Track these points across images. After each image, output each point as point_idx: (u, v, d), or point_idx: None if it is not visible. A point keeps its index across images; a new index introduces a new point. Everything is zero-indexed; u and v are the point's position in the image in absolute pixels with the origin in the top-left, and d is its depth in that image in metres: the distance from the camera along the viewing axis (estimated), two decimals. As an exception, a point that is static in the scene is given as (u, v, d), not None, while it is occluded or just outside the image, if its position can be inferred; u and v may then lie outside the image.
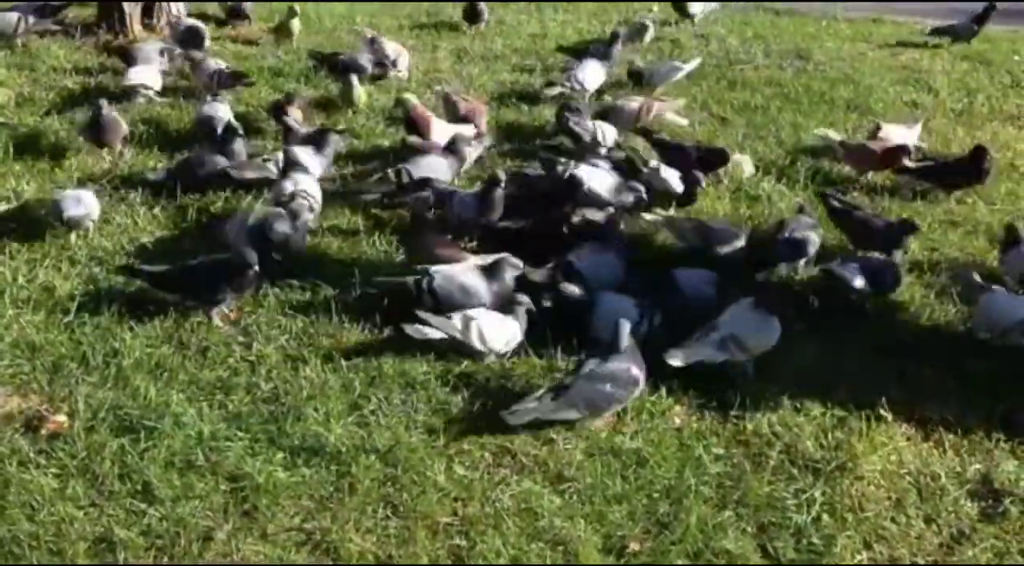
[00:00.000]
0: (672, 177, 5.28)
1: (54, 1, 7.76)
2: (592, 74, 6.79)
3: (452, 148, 5.49)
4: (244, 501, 3.34)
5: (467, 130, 5.88)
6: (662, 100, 6.42)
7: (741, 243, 4.79)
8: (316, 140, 5.47)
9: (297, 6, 8.02)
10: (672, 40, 8.52)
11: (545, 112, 6.63)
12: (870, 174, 5.73)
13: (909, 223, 4.81)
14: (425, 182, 5.08)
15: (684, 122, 6.38)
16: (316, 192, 5.02)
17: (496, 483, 3.46)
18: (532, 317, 4.11)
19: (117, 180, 5.48)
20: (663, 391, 3.89)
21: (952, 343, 4.30)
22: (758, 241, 4.83)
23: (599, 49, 7.22)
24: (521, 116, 6.56)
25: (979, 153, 5.49)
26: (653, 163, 5.39)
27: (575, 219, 4.83)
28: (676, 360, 3.86)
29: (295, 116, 5.89)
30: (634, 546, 3.23)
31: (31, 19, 7.39)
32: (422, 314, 4.05)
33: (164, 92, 6.64)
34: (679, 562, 3.18)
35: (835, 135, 5.96)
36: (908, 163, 5.61)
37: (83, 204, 4.82)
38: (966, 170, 5.53)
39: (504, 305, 4.14)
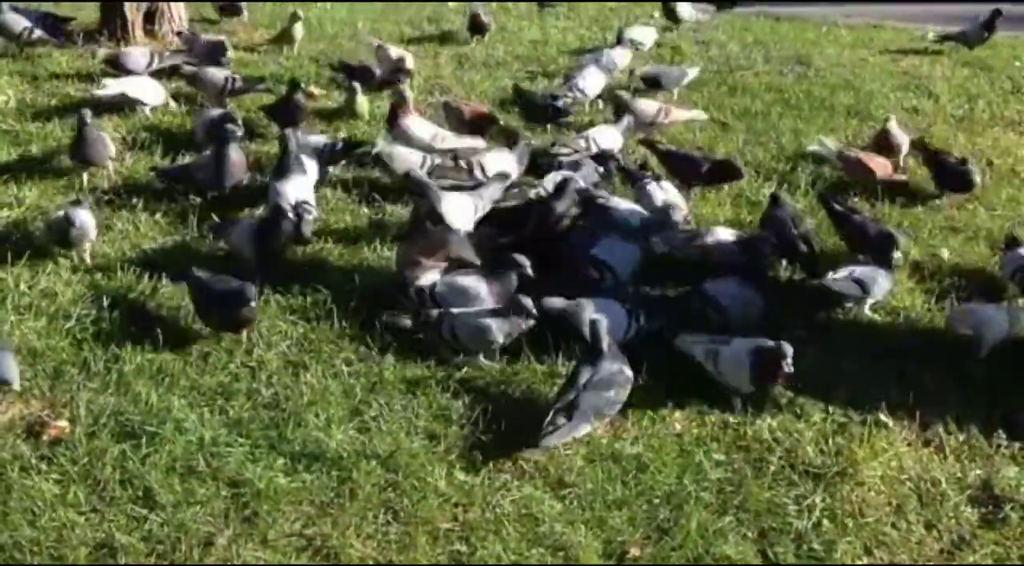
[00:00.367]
0: (660, 193, 5.15)
1: (57, 17, 7.78)
2: (593, 81, 6.80)
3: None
4: (245, 507, 3.34)
5: (476, 142, 5.74)
6: (679, 106, 6.46)
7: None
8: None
9: (300, 11, 8.06)
10: (673, 47, 8.53)
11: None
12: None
13: (896, 234, 4.83)
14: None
15: (703, 116, 6.45)
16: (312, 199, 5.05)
17: (496, 489, 3.46)
18: (531, 317, 4.06)
19: (118, 186, 5.50)
20: (663, 397, 3.89)
21: (952, 348, 4.30)
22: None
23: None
24: (523, 122, 6.56)
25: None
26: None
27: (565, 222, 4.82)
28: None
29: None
30: (634, 552, 3.23)
31: (37, 32, 7.39)
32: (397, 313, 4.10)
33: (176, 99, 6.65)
34: (679, 568, 3.19)
35: (832, 145, 5.94)
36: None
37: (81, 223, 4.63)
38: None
39: (507, 307, 4.13)
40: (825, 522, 3.36)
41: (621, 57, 7.39)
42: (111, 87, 6.36)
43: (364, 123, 6.49)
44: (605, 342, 3.78)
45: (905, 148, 5.88)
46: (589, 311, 4.10)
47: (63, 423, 3.67)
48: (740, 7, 9.95)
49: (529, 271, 4.28)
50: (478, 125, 6.07)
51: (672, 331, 4.12)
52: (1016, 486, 3.53)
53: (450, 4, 9.61)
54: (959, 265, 4.96)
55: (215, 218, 5.06)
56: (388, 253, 4.89)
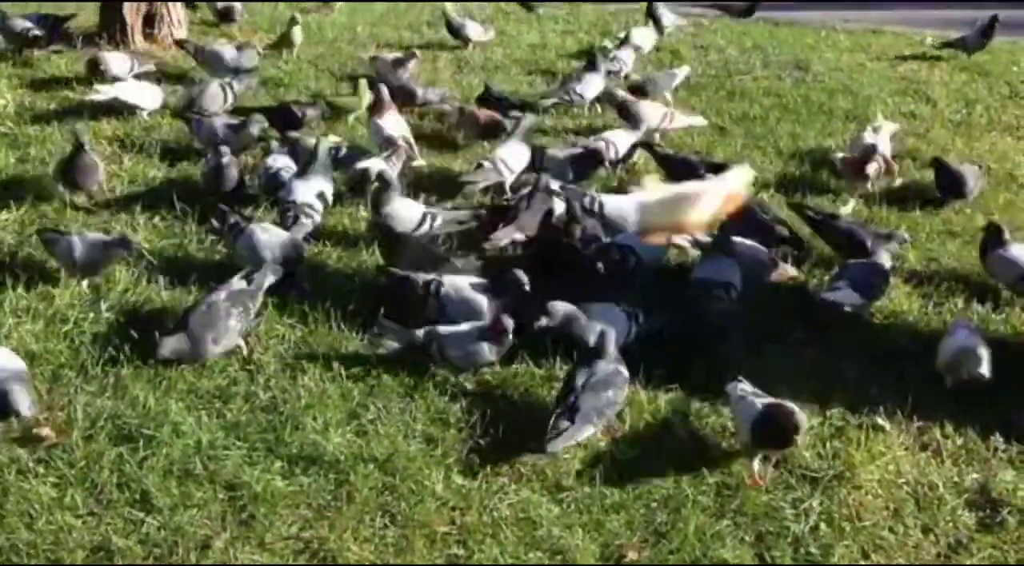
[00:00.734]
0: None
1: (57, 17, 7.78)
2: (591, 85, 6.81)
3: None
4: (242, 510, 3.34)
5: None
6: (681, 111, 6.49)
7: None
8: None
9: (299, 15, 8.06)
10: (672, 51, 8.54)
11: (546, 121, 6.65)
12: (869, 184, 5.73)
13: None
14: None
15: (702, 122, 6.49)
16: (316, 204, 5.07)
17: (494, 492, 3.46)
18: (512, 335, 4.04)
19: (118, 189, 5.51)
20: (661, 400, 3.90)
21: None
22: None
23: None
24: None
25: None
26: None
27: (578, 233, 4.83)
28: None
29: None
30: (632, 555, 3.23)
31: (36, 33, 7.39)
32: (386, 322, 4.08)
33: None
34: (677, 571, 3.19)
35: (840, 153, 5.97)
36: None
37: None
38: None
39: (493, 325, 4.07)
40: (822, 526, 3.37)
41: (628, 58, 7.46)
42: (105, 92, 6.34)
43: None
44: (611, 350, 3.79)
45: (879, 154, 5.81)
46: (591, 315, 4.10)
47: (46, 431, 3.64)
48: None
49: (527, 288, 4.29)
50: (491, 129, 6.17)
51: (672, 331, 4.13)
52: (1013, 490, 3.54)
53: (448, 6, 9.62)
54: (956, 269, 4.96)
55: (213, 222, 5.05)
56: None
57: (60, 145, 6.01)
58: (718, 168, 5.49)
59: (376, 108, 5.90)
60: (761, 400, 3.61)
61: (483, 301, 4.27)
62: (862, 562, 3.26)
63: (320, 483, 3.47)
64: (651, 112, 6.25)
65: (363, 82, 6.58)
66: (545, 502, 3.42)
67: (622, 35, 8.05)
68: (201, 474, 3.48)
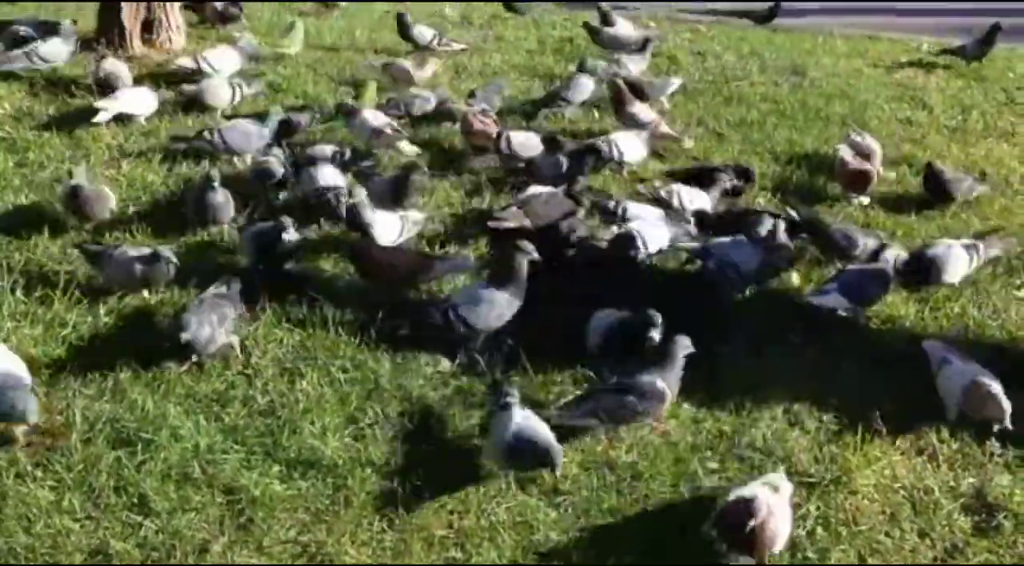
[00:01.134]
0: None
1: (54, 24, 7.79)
2: (580, 89, 6.83)
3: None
4: (240, 514, 3.35)
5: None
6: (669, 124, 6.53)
7: None
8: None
9: (298, 20, 8.05)
10: (669, 56, 8.55)
11: (544, 124, 6.66)
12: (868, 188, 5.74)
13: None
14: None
15: (690, 143, 6.46)
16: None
17: (492, 496, 3.47)
18: None
19: (117, 192, 5.51)
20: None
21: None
22: None
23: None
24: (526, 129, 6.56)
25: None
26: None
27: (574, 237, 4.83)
28: None
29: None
30: (629, 560, 3.24)
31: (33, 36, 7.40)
32: None
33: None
34: (674, 575, 3.20)
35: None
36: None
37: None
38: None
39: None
40: (819, 530, 3.38)
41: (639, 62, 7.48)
42: (108, 111, 6.29)
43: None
44: (678, 359, 3.79)
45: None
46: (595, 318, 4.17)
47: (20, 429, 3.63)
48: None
49: (535, 256, 4.25)
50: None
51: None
52: (1009, 494, 3.55)
53: (447, 11, 9.66)
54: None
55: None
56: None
57: (59, 149, 6.02)
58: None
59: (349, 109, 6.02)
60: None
61: (503, 300, 4.21)
62: (859, 566, 3.28)
63: (318, 487, 3.48)
64: (643, 114, 6.29)
65: (372, 83, 6.67)
66: (543, 506, 3.44)
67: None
68: (199, 478, 3.48)
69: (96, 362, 4.04)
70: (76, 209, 5.05)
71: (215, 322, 4.03)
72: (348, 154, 5.66)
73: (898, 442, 3.77)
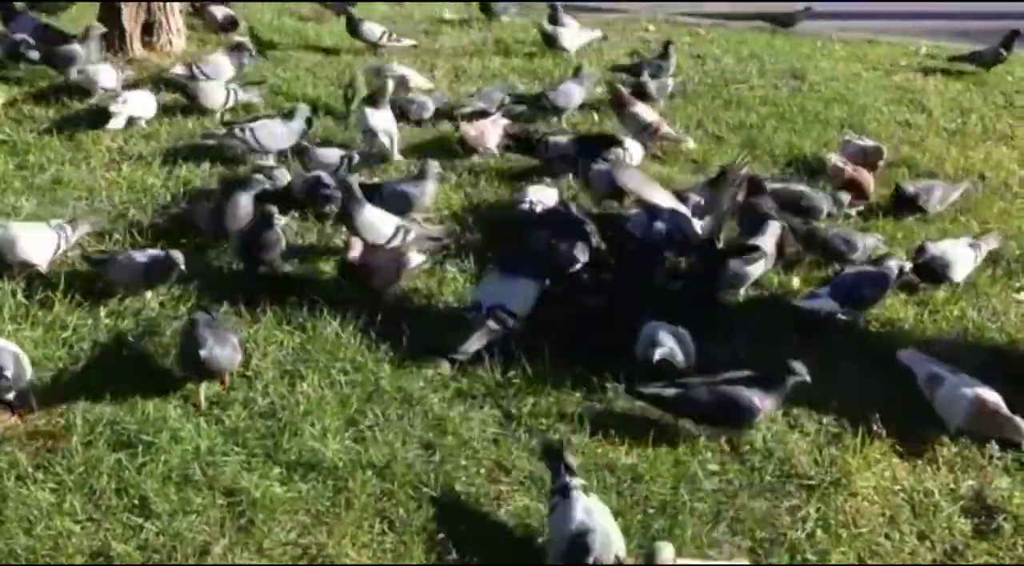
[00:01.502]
0: None
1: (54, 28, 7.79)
2: (569, 95, 6.80)
3: None
4: (241, 516, 3.36)
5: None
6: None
7: None
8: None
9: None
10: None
11: (543, 128, 6.67)
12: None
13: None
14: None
15: (691, 144, 6.47)
16: None
17: (492, 499, 3.48)
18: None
19: (116, 197, 5.52)
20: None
21: (947, 359, 4.30)
22: None
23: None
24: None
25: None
26: None
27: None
28: None
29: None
30: (629, 561, 3.24)
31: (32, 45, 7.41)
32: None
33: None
34: (674, 577, 3.20)
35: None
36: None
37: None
38: None
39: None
40: (819, 532, 3.38)
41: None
42: (121, 115, 6.29)
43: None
44: (794, 378, 3.75)
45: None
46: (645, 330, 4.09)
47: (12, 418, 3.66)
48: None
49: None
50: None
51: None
52: (1008, 497, 3.55)
53: (446, 14, 9.67)
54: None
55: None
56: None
57: (59, 152, 6.03)
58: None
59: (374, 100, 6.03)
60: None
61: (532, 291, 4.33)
62: (858, 568, 3.28)
63: (318, 489, 3.48)
64: (644, 114, 6.30)
65: (359, 77, 6.71)
66: (543, 509, 3.43)
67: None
68: (200, 480, 3.49)
69: (96, 364, 4.05)
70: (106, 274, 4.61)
71: (235, 342, 3.92)
72: (356, 158, 5.67)
73: (898, 445, 3.78)
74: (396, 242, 4.82)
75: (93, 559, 3.18)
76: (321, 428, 3.73)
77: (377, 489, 3.49)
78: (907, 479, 3.63)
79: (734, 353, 4.28)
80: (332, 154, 5.69)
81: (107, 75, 6.80)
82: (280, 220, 4.73)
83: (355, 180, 4.94)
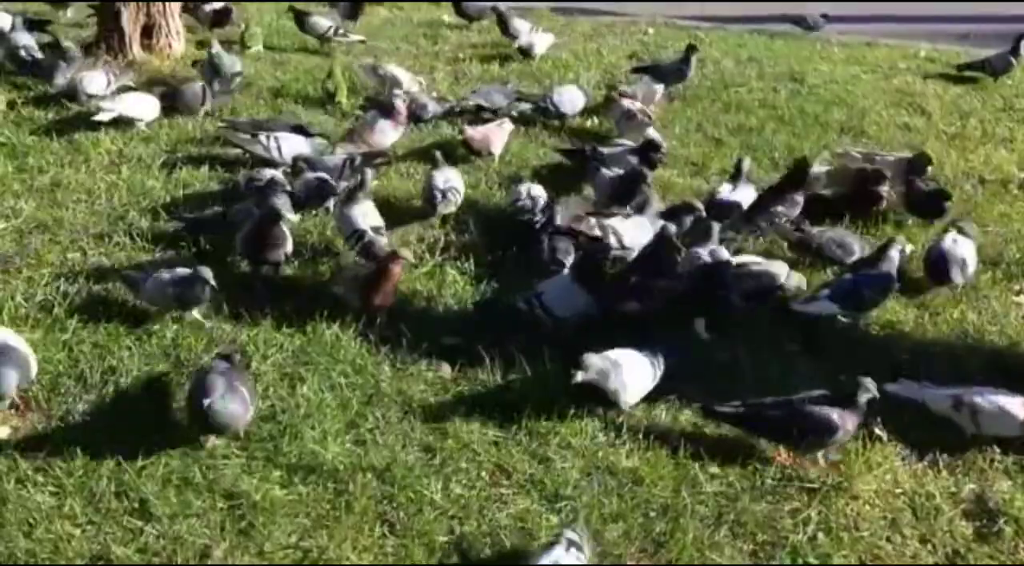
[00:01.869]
0: None
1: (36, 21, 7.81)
2: (571, 100, 6.83)
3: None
4: (241, 519, 3.35)
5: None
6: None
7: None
8: None
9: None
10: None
11: (542, 133, 6.68)
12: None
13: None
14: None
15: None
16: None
17: (493, 502, 3.47)
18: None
19: (116, 199, 5.52)
20: (660, 410, 3.91)
21: (946, 363, 4.32)
22: None
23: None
24: (518, 137, 6.58)
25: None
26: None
27: None
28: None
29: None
30: (632, 563, 3.24)
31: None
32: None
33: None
34: (675, 581, 3.20)
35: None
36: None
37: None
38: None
39: None
40: (820, 536, 3.38)
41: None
42: (108, 112, 6.30)
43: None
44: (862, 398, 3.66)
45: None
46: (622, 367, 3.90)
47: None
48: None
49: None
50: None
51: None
52: (1010, 500, 3.55)
53: (446, 18, 9.66)
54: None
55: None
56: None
57: (59, 154, 6.03)
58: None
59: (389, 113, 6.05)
60: None
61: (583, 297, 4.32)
62: (860, 572, 3.28)
63: (319, 492, 3.47)
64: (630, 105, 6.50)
65: (337, 70, 6.87)
66: (544, 511, 3.43)
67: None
68: (200, 483, 3.48)
69: (96, 367, 4.04)
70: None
71: (247, 397, 3.62)
72: (358, 160, 5.66)
73: (899, 448, 3.77)
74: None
75: (93, 562, 3.18)
76: (321, 431, 3.73)
77: (378, 492, 3.48)
78: (908, 482, 3.63)
79: (735, 357, 4.27)
80: (333, 157, 5.68)
81: (93, 82, 6.71)
82: (292, 218, 4.70)
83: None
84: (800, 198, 5.23)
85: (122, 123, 6.40)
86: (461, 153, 6.19)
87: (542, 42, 8.46)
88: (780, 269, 4.67)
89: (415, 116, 6.60)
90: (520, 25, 8.56)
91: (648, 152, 5.71)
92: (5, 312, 4.38)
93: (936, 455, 3.75)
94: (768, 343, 4.41)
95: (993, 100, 7.84)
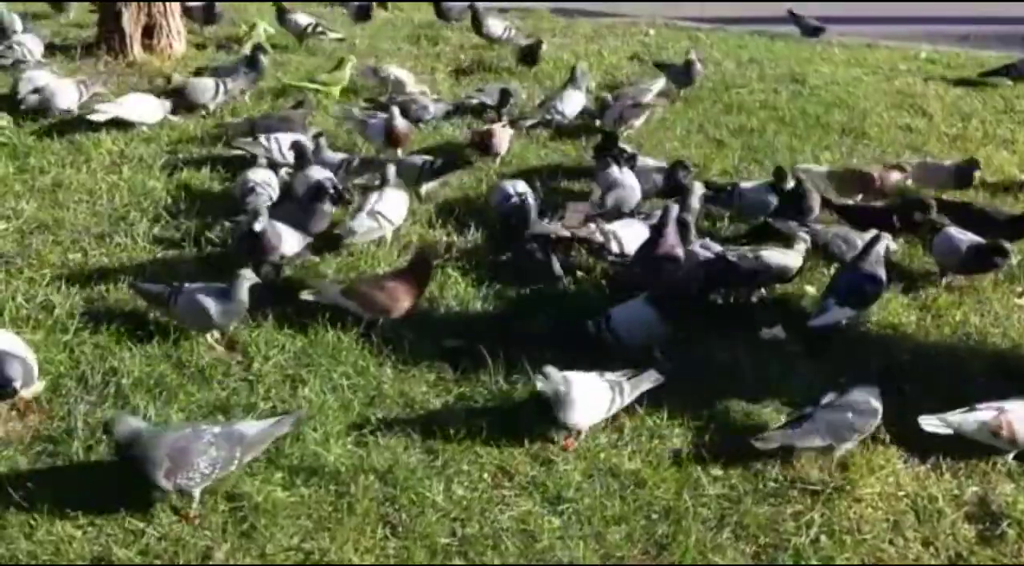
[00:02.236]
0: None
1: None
2: (571, 102, 6.84)
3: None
4: (243, 521, 3.34)
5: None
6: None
7: None
8: None
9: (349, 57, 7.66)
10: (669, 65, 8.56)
11: (543, 134, 6.68)
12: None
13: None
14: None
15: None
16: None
17: (495, 504, 3.47)
18: None
19: (117, 199, 5.51)
20: (663, 412, 3.91)
21: (948, 365, 4.32)
22: None
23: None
24: (519, 137, 6.58)
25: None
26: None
27: None
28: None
29: None
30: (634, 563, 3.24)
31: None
32: None
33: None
34: (678, 583, 3.20)
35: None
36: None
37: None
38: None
39: None
40: (823, 538, 3.38)
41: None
42: (103, 113, 6.27)
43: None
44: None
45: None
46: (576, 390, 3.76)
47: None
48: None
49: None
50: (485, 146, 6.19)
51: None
52: (1013, 503, 3.55)
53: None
54: (952, 282, 4.98)
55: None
56: (386, 266, 4.90)
57: (60, 155, 6.02)
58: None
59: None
60: None
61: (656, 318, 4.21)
62: (863, 574, 3.27)
63: (321, 494, 3.47)
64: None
65: (348, 59, 6.92)
66: (546, 514, 3.43)
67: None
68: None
69: (98, 368, 4.04)
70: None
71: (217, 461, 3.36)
72: (356, 161, 5.66)
73: (901, 450, 3.77)
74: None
75: (95, 564, 3.17)
76: (323, 432, 3.72)
77: (380, 494, 3.48)
78: (911, 485, 3.62)
79: (735, 358, 4.27)
80: (333, 157, 5.68)
81: (64, 95, 6.52)
82: (257, 228, 4.55)
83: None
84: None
85: (122, 124, 6.40)
86: (461, 154, 6.19)
87: (516, 41, 8.53)
88: (790, 257, 4.67)
89: (416, 118, 6.60)
90: (494, 26, 8.59)
91: (677, 172, 5.60)
92: (6, 313, 4.38)
93: (938, 458, 3.74)
94: (768, 343, 4.41)
95: (994, 102, 7.85)
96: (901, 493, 3.58)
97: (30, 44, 7.52)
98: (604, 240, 4.88)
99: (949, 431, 3.72)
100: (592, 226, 4.98)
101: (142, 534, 3.27)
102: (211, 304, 4.13)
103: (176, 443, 3.29)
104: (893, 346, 4.49)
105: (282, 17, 8.55)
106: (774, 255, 4.67)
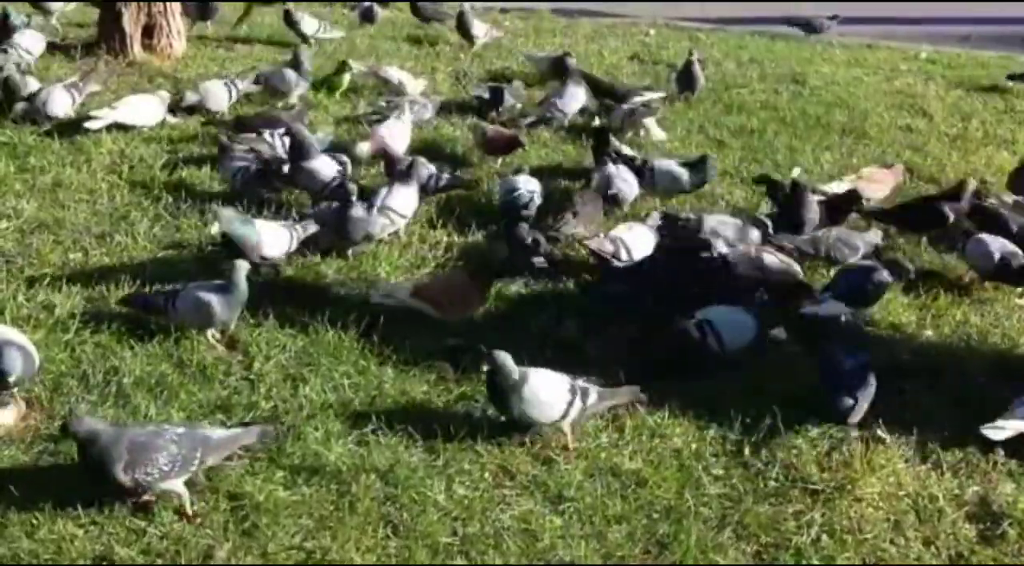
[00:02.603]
0: None
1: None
2: (573, 99, 6.83)
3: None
4: (244, 520, 3.34)
5: None
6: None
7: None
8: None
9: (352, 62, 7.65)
10: (669, 64, 8.57)
11: (544, 134, 6.68)
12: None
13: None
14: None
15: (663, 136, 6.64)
16: None
17: (496, 503, 3.46)
18: None
19: (118, 198, 5.52)
20: (664, 411, 3.91)
21: (949, 364, 4.32)
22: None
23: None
24: (519, 136, 6.57)
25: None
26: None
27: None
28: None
29: None
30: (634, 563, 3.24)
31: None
32: None
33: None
34: (679, 583, 3.20)
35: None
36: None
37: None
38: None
39: None
40: (824, 538, 3.37)
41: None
42: (102, 120, 6.25)
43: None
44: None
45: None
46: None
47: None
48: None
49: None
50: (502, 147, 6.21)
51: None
52: (1013, 502, 3.55)
53: (447, 21, 9.65)
54: (953, 282, 4.99)
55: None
56: (387, 266, 4.90)
57: (60, 154, 6.03)
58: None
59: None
60: None
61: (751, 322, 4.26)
62: (864, 574, 3.27)
63: (322, 493, 3.47)
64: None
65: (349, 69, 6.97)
66: (547, 513, 3.43)
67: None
68: (203, 484, 3.47)
69: (99, 367, 4.04)
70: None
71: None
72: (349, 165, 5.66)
73: (902, 450, 3.77)
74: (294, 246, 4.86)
75: (96, 563, 3.17)
76: (324, 432, 3.72)
77: (381, 493, 3.47)
78: (912, 484, 3.62)
79: (737, 358, 4.27)
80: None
81: (57, 102, 6.40)
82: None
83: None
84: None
85: (121, 127, 6.40)
86: (461, 153, 6.20)
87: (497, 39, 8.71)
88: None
89: (416, 119, 6.60)
90: (477, 29, 8.63)
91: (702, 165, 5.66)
92: (7, 312, 4.38)
93: (940, 457, 3.74)
94: (771, 344, 4.40)
95: (994, 102, 7.86)
96: (902, 493, 3.58)
97: (29, 44, 7.49)
98: (614, 249, 4.84)
99: (1015, 432, 3.70)
100: (602, 236, 4.94)
101: (144, 533, 3.26)
102: (213, 299, 4.13)
103: (136, 438, 3.30)
104: (894, 345, 4.49)
105: (290, 21, 8.53)
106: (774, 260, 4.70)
